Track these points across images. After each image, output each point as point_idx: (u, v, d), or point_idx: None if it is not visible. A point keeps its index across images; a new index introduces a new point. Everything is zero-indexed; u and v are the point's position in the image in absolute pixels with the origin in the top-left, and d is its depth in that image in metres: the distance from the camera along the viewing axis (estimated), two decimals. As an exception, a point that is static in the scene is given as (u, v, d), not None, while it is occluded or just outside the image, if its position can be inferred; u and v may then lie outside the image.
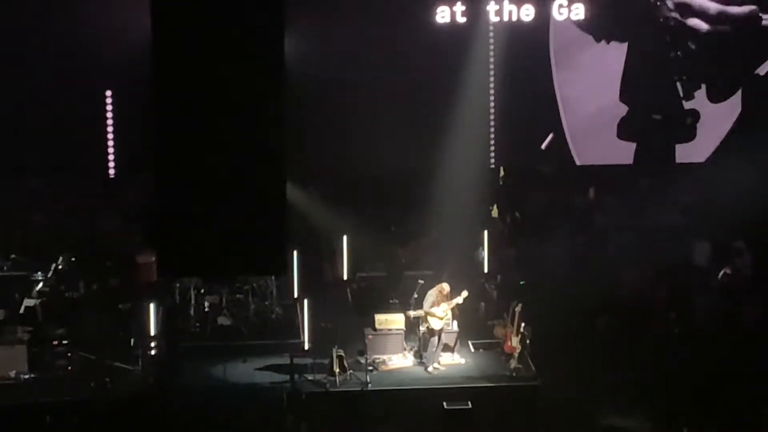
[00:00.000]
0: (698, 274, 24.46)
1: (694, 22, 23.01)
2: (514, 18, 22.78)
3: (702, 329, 22.83)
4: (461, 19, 22.78)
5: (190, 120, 13.64)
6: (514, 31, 22.84)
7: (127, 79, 20.95)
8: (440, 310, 21.26)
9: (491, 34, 22.91)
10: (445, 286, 21.46)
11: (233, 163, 13.73)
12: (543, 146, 23.52)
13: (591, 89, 23.29)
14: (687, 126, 23.54)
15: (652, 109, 23.52)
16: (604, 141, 23.55)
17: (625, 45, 23.09)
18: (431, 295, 21.35)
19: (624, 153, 23.74)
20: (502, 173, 26.13)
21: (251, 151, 13.73)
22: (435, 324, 21.24)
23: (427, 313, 21.30)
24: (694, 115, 23.45)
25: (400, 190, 25.81)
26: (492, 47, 22.98)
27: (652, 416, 19.82)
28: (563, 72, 23.18)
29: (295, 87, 16.32)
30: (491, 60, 23.06)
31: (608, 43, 23.04)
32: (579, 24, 22.81)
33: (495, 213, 26.28)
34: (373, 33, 22.53)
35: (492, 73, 23.12)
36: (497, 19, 22.80)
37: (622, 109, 23.33)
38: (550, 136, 23.32)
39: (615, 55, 23.15)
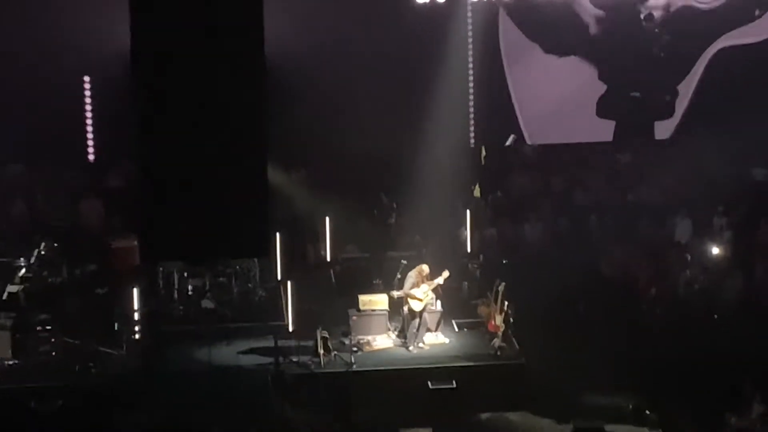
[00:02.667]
0: (680, 251, 24.55)
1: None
2: (494, -2, 22.89)
3: (684, 307, 22.95)
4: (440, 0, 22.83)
5: (171, 105, 13.63)
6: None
7: (104, 65, 20.91)
8: (420, 292, 21.28)
9: (469, 14, 22.95)
10: (425, 267, 21.49)
11: (215, 148, 13.73)
12: (507, 143, 23.69)
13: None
14: (666, 103, 23.65)
15: (630, 87, 23.64)
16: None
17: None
18: (411, 276, 21.37)
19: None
20: (484, 153, 26.16)
21: (233, 135, 13.73)
22: (415, 306, 21.27)
23: (407, 295, 21.33)
24: (673, 92, 23.56)
25: (382, 171, 25.84)
26: (470, 27, 23.02)
27: (634, 394, 19.89)
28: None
29: (275, 70, 16.35)
30: (470, 40, 23.11)
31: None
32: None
33: (477, 193, 26.31)
34: (354, 14, 22.53)
35: (471, 53, 23.17)
36: (476, -1, 22.89)
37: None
38: (512, 137, 23.45)
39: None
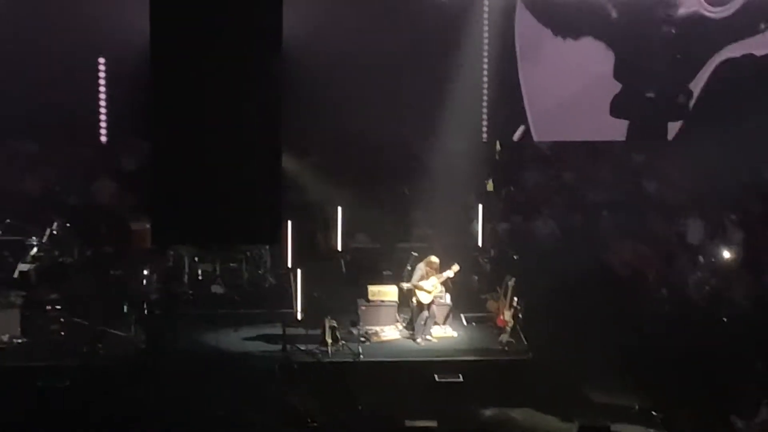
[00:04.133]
0: (690, 251, 24.52)
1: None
2: (513, -11, 22.79)
3: (692, 306, 22.92)
4: (459, -10, 22.75)
5: (186, 90, 13.66)
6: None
7: (120, 47, 20.89)
8: (429, 284, 21.27)
9: (486, 7, 22.85)
10: (434, 259, 21.48)
11: (229, 133, 13.77)
12: (515, 138, 23.62)
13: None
14: (680, 105, 23.57)
15: (645, 87, 23.56)
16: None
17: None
18: (420, 268, 21.39)
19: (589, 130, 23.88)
20: (498, 147, 26.12)
21: (247, 121, 13.77)
22: (423, 298, 21.28)
23: (414, 287, 21.33)
24: (687, 93, 23.50)
25: (396, 162, 25.85)
26: (486, 21, 22.93)
27: (641, 394, 19.88)
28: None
29: (291, 57, 16.34)
30: (485, 34, 23.01)
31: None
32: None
33: (490, 187, 26.27)
34: (372, 5, 22.47)
35: (486, 47, 23.08)
36: (495, -6, 22.78)
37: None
38: (521, 128, 23.35)
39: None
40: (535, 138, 23.91)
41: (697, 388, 19.59)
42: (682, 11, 23.09)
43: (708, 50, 23.37)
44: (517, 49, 23.09)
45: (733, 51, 23.37)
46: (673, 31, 23.22)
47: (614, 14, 23.08)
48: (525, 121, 23.29)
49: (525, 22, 22.99)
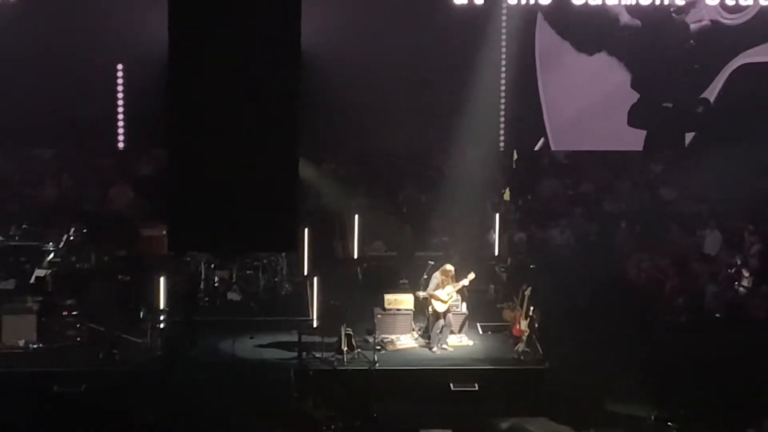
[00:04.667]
0: (708, 263, 24.46)
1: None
2: (531, 1, 22.73)
3: (709, 317, 22.88)
4: (478, 1, 22.72)
5: (204, 97, 13.68)
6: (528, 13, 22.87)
7: (138, 53, 20.93)
8: (444, 293, 21.26)
9: (504, 17, 22.83)
10: (449, 267, 21.46)
11: (246, 140, 13.78)
12: (536, 148, 23.59)
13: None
14: (697, 115, 23.49)
15: (662, 97, 23.49)
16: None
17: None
18: (435, 277, 21.38)
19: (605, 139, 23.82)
20: (515, 157, 26.11)
21: (264, 128, 13.77)
22: (438, 307, 21.27)
23: (430, 296, 21.32)
24: (704, 102, 23.43)
25: (413, 171, 25.84)
26: (504, 30, 22.90)
27: (656, 405, 19.82)
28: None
29: (310, 65, 16.35)
30: (503, 44, 22.99)
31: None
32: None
33: (507, 196, 26.27)
34: (390, 12, 22.47)
35: (504, 56, 23.05)
36: (515, 2, 22.73)
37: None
38: (542, 140, 23.30)
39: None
40: (553, 147, 23.87)
41: (714, 399, 19.53)
42: (700, 20, 23.03)
43: (724, 57, 23.32)
44: (537, 59, 23.05)
45: (748, 57, 23.31)
46: (692, 41, 23.16)
47: (632, 24, 23.03)
48: (543, 131, 23.25)
49: (545, 33, 22.94)
